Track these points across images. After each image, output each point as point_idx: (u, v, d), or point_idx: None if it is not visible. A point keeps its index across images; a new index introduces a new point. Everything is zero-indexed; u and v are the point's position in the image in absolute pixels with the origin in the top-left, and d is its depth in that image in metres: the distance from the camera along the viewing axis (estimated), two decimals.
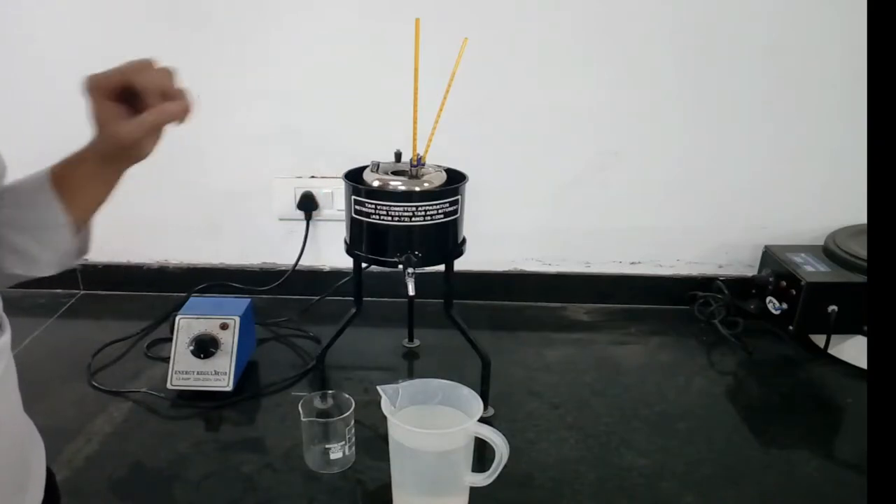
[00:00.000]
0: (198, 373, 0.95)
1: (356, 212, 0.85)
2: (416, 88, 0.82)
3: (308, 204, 1.23)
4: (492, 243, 1.23)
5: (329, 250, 1.28)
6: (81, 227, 0.68)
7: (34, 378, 0.84)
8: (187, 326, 0.96)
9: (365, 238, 0.86)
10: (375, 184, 0.85)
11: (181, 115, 0.65)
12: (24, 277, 0.69)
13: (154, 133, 0.65)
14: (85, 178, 0.67)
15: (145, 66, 0.63)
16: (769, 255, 1.18)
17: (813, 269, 1.09)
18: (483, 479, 0.71)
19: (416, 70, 0.82)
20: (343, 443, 0.81)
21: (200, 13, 1.12)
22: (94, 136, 0.64)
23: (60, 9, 1.12)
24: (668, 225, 1.24)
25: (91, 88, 0.61)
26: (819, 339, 1.10)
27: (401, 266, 0.83)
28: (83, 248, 0.72)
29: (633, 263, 1.28)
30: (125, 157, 0.66)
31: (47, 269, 0.70)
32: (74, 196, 0.66)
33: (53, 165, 0.67)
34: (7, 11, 1.13)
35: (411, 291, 0.82)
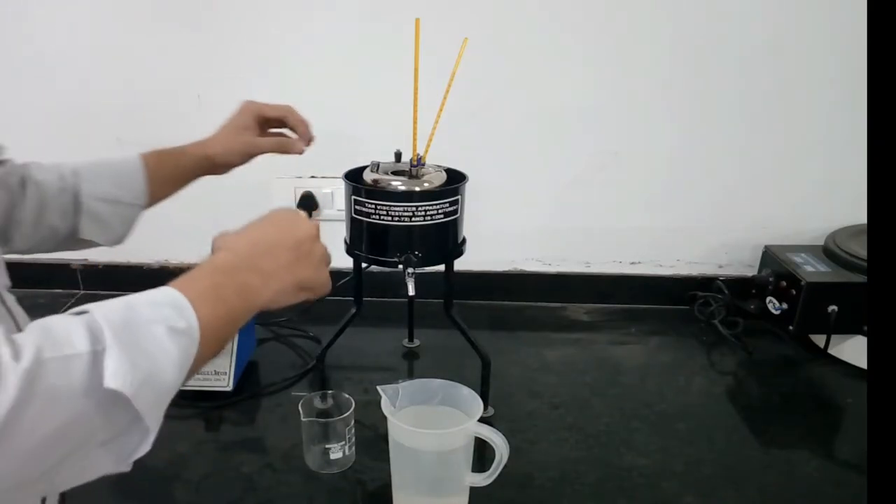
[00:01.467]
0: (198, 373, 0.95)
1: (356, 212, 0.85)
2: (416, 88, 0.82)
3: (308, 204, 1.22)
4: (492, 243, 1.23)
5: (329, 250, 1.27)
6: (145, 210, 0.81)
7: None
8: None
9: (365, 238, 0.86)
10: (375, 184, 0.85)
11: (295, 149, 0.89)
12: (94, 245, 0.79)
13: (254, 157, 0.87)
14: (172, 171, 0.82)
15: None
16: (769, 255, 1.18)
17: (813, 269, 1.09)
18: (483, 479, 0.71)
19: (416, 70, 0.82)
20: (343, 443, 0.81)
21: (201, 13, 1.12)
22: (213, 141, 0.84)
23: (64, 9, 1.12)
24: (668, 225, 1.24)
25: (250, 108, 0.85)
26: (819, 339, 1.10)
27: (401, 266, 0.83)
28: (129, 234, 0.83)
29: (633, 263, 1.28)
30: (226, 166, 0.85)
31: (113, 241, 0.81)
32: (158, 185, 0.80)
33: (145, 154, 0.80)
34: (7, 10, 1.13)
35: (411, 291, 0.82)
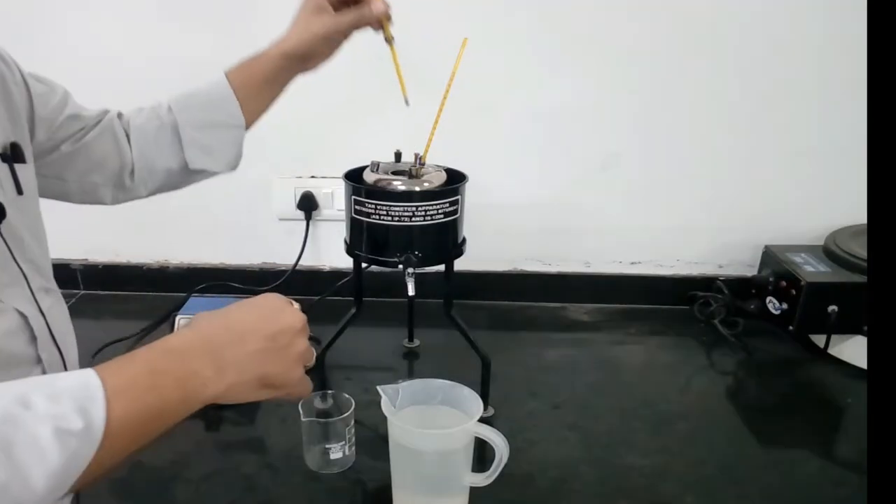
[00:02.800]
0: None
1: (356, 212, 0.85)
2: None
3: (308, 204, 1.23)
4: (492, 243, 1.22)
5: (329, 250, 1.28)
6: (249, 127, 0.79)
7: None
8: None
9: (365, 238, 0.86)
10: (375, 184, 0.85)
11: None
12: (208, 174, 0.80)
13: (338, 43, 0.78)
14: (260, 81, 0.77)
15: None
16: (769, 255, 1.18)
17: (813, 269, 1.09)
18: (483, 479, 0.71)
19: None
20: (343, 443, 0.81)
21: (202, 13, 1.12)
22: (289, 34, 0.76)
23: (65, 9, 1.13)
24: (668, 225, 1.24)
25: None
26: (819, 339, 1.10)
27: (401, 266, 0.83)
28: (240, 157, 0.82)
29: (633, 263, 1.28)
30: (310, 57, 0.77)
31: (226, 167, 0.80)
32: (251, 99, 0.77)
33: (231, 71, 0.78)
34: (8, 10, 1.13)
35: (411, 291, 0.82)
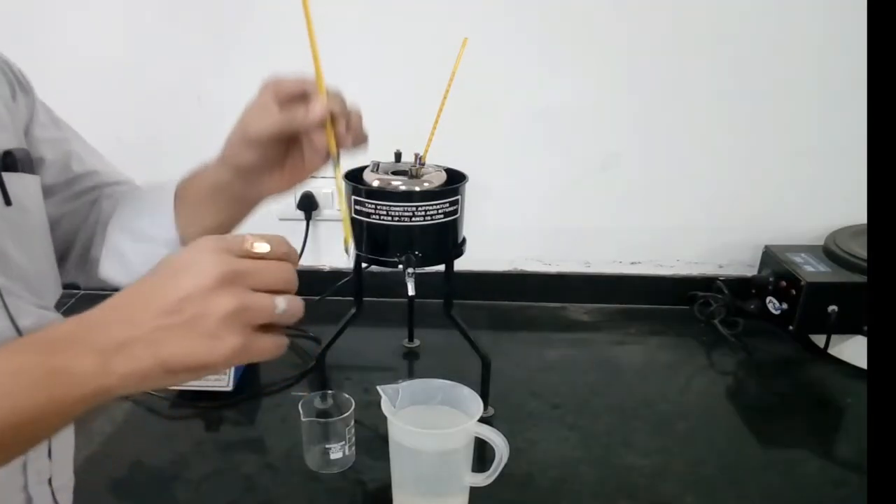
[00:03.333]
0: None
1: (356, 212, 0.85)
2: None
3: (308, 204, 1.22)
4: (492, 243, 1.22)
5: (329, 250, 1.28)
6: (186, 244, 0.61)
7: None
8: None
9: (365, 238, 0.86)
10: (375, 184, 0.85)
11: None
12: (112, 284, 0.65)
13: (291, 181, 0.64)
14: (203, 194, 0.63)
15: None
16: (769, 255, 1.18)
17: (813, 269, 1.09)
18: (483, 479, 0.71)
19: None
20: (343, 443, 0.81)
21: (202, 13, 1.12)
22: (229, 138, 0.61)
23: (65, 10, 1.13)
24: (668, 225, 1.24)
25: (269, 85, 0.60)
26: (819, 339, 1.10)
27: (401, 266, 0.83)
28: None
29: (633, 263, 1.28)
30: (248, 169, 0.61)
31: (130, 280, 0.61)
32: (190, 211, 0.64)
33: (181, 181, 0.65)
34: (9, 10, 1.13)
35: (411, 291, 0.82)
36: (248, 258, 0.44)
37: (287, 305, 0.44)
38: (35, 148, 0.62)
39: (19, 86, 0.62)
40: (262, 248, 0.45)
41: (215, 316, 0.41)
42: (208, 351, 0.41)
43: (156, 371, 0.41)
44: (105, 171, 0.70)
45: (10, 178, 0.55)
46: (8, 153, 0.56)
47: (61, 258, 0.66)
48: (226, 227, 0.65)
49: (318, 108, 0.57)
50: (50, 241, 0.61)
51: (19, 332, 0.53)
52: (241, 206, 0.65)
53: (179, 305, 0.41)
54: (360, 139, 0.61)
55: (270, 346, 0.44)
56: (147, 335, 0.41)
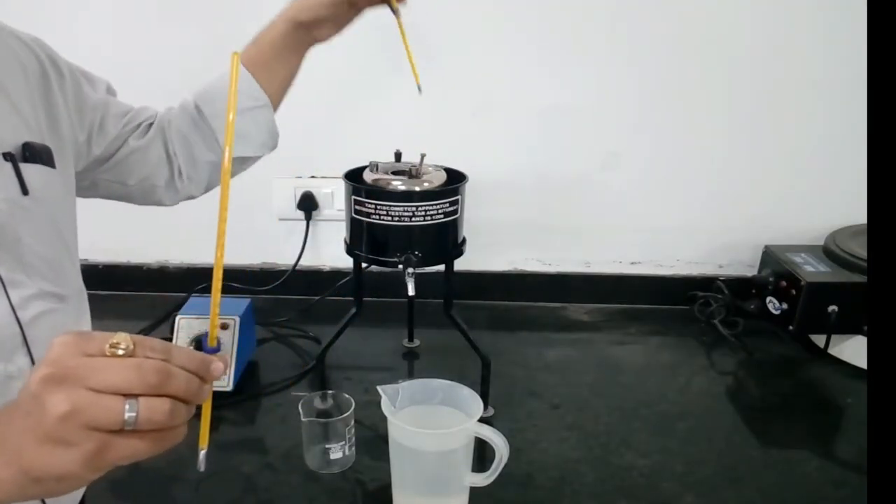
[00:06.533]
0: None
1: (356, 212, 0.85)
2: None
3: (308, 204, 1.23)
4: (492, 243, 1.23)
5: (329, 250, 1.28)
6: (276, 106, 0.79)
7: None
8: (187, 326, 0.96)
9: (365, 238, 0.86)
10: (375, 184, 0.85)
11: None
12: (250, 160, 0.81)
13: (345, 11, 0.75)
14: (271, 55, 0.76)
15: None
16: (769, 255, 1.18)
17: (813, 269, 1.09)
18: (483, 479, 0.71)
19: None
20: (343, 443, 0.81)
21: (202, 14, 1.13)
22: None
23: (70, 9, 1.13)
24: (668, 225, 1.24)
25: None
26: (819, 339, 1.10)
27: (401, 266, 0.83)
28: (276, 136, 0.82)
29: (633, 263, 1.28)
30: (316, 25, 0.75)
31: (262, 148, 0.81)
32: (269, 76, 0.77)
33: (244, 51, 0.77)
34: (9, 10, 1.13)
35: (411, 291, 0.82)
36: (99, 356, 0.39)
37: (139, 409, 0.38)
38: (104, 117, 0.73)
39: (55, 71, 0.68)
40: (122, 347, 0.40)
41: (51, 417, 0.38)
42: (60, 456, 0.38)
43: (21, 479, 0.39)
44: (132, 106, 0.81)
45: (28, 170, 0.59)
46: (28, 145, 0.59)
47: (172, 177, 0.80)
48: (290, 77, 0.79)
49: None
50: (70, 230, 0.66)
51: (20, 323, 0.56)
52: (301, 55, 0.79)
53: (25, 406, 0.39)
54: None
55: (133, 452, 0.39)
56: (11, 440, 0.39)
